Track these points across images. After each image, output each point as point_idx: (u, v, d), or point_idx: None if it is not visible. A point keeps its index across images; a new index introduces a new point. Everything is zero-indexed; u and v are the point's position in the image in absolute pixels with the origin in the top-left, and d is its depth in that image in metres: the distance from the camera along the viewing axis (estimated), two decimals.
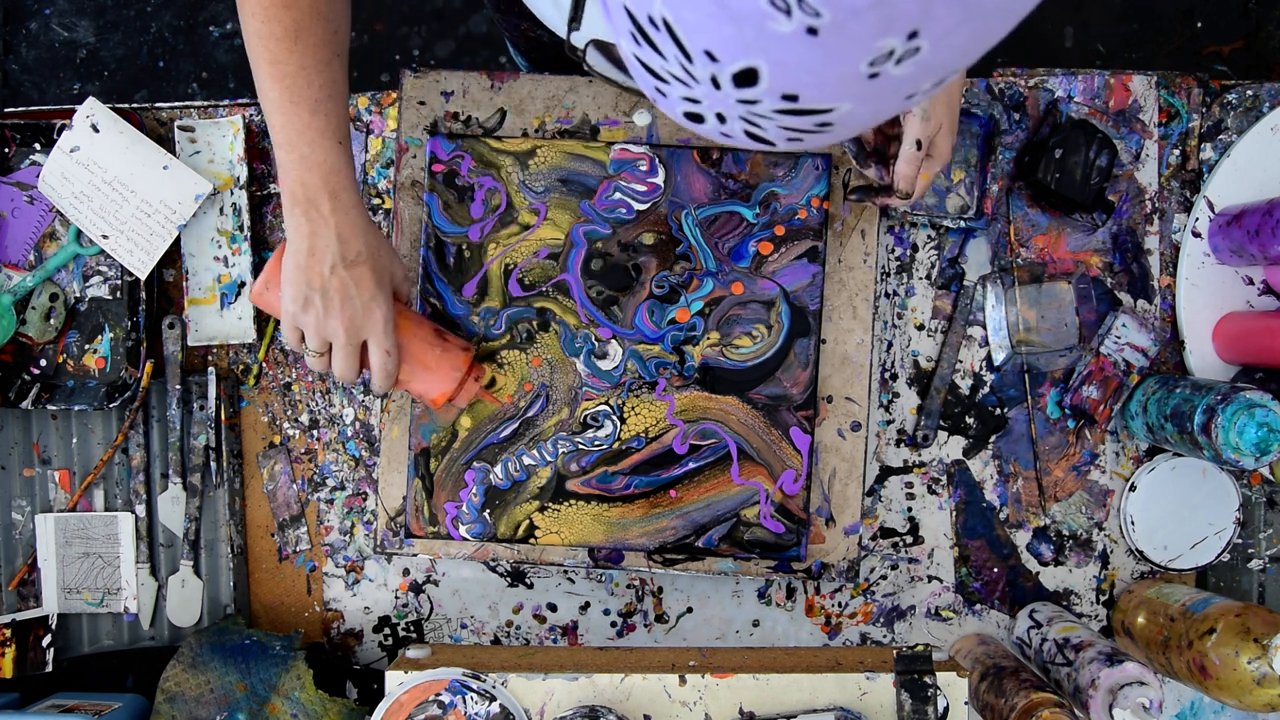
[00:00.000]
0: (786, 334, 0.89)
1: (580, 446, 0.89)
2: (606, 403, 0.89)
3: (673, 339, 0.89)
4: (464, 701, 0.75)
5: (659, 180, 0.90)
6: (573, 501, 0.89)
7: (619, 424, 0.89)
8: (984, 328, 0.93)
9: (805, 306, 0.89)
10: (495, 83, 0.91)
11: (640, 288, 0.89)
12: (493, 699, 0.75)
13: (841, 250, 0.90)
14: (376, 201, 0.95)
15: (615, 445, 0.89)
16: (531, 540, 0.89)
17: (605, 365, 0.89)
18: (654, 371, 0.89)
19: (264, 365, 0.95)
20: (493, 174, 0.90)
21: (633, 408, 0.89)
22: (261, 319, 0.94)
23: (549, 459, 0.89)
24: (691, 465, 0.88)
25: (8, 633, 0.89)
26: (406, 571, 0.94)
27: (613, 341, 0.89)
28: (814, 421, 0.89)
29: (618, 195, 0.90)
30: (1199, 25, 1.70)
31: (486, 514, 0.89)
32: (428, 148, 0.91)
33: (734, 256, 0.89)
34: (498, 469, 0.89)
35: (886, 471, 0.93)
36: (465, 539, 0.89)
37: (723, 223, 0.89)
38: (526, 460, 0.89)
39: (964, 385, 0.93)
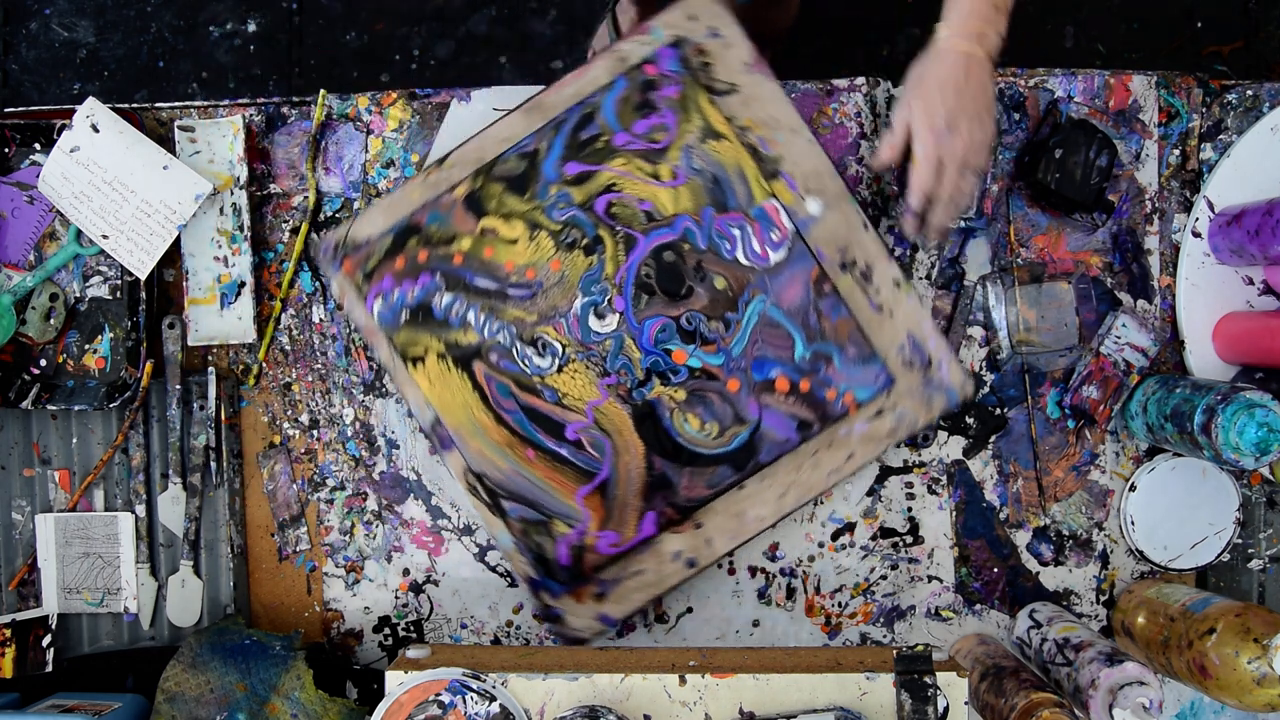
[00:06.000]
0: (725, 452, 0.88)
1: (513, 352, 0.89)
2: (565, 346, 0.89)
3: (654, 363, 0.89)
4: (464, 701, 0.75)
5: (775, 257, 0.89)
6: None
7: (557, 367, 0.89)
8: (985, 328, 0.93)
9: (757, 452, 0.88)
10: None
11: (676, 305, 0.89)
12: (493, 699, 0.75)
13: None
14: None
15: (536, 379, 0.89)
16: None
17: (593, 324, 0.89)
18: (617, 366, 0.89)
19: (264, 365, 0.95)
20: (681, 116, 0.89)
21: (575, 370, 0.89)
22: (262, 319, 0.94)
23: (484, 332, 0.89)
24: (564, 453, 0.89)
25: (8, 633, 0.89)
26: (406, 571, 0.94)
27: (617, 315, 0.89)
28: (678, 528, 0.89)
29: (737, 233, 0.89)
30: (1199, 25, 1.70)
31: (403, 320, 0.89)
32: (658, 51, 0.89)
33: (756, 364, 0.89)
34: (447, 297, 0.89)
35: (886, 471, 0.93)
36: (371, 315, 0.90)
37: (777, 334, 0.89)
38: (470, 315, 0.89)
39: None
